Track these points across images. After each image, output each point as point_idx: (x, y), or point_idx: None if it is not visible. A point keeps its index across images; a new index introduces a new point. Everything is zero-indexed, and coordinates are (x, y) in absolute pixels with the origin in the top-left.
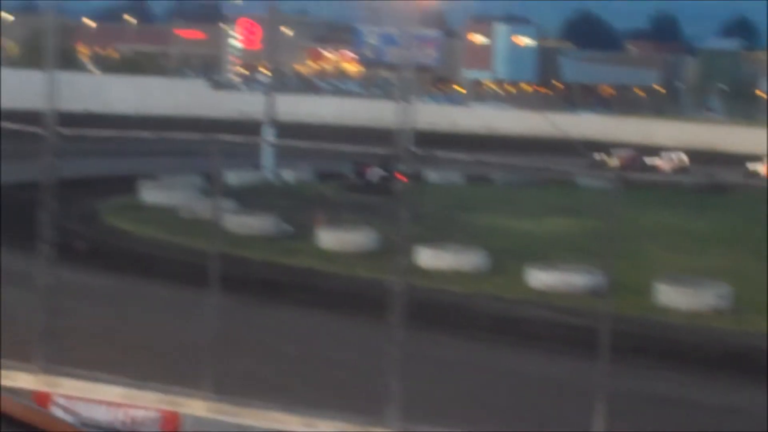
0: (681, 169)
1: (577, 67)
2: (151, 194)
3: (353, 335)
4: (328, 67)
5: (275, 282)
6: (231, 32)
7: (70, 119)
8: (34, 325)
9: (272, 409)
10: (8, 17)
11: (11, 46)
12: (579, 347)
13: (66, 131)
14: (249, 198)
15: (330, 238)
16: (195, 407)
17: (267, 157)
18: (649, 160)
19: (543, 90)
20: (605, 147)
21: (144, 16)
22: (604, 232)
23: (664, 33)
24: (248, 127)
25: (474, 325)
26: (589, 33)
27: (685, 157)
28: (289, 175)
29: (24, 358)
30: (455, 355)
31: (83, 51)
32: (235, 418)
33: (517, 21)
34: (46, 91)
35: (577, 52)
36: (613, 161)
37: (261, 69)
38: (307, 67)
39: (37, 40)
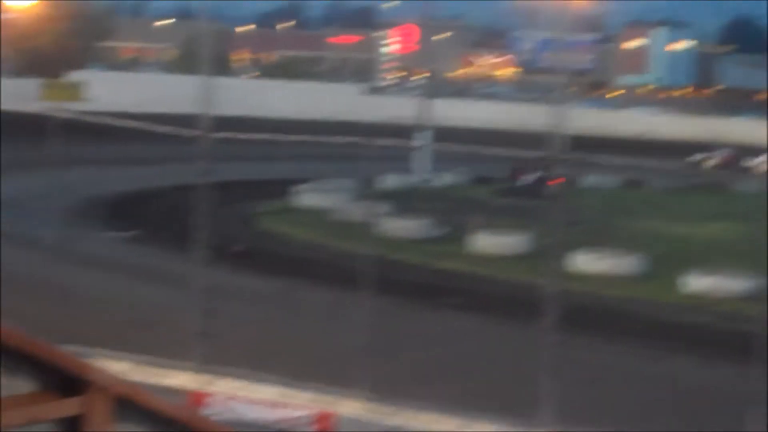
0: None
1: (736, 72)
2: (306, 197)
3: (507, 338)
4: (482, 71)
5: (430, 285)
6: (385, 37)
7: (224, 123)
8: (191, 326)
9: (427, 410)
10: (165, 22)
11: (169, 51)
12: (735, 352)
13: (221, 135)
14: (403, 201)
15: (484, 242)
16: (351, 407)
17: (421, 161)
18: (748, 161)
19: (701, 94)
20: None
21: (299, 21)
22: (762, 236)
23: None
24: (401, 132)
25: (629, 330)
26: (750, 37)
27: None
28: (443, 178)
29: (181, 357)
30: (609, 358)
31: (238, 56)
32: (391, 419)
33: (676, 24)
34: (202, 96)
35: (737, 56)
36: (712, 162)
37: (415, 73)
38: (461, 71)
39: (194, 45)
